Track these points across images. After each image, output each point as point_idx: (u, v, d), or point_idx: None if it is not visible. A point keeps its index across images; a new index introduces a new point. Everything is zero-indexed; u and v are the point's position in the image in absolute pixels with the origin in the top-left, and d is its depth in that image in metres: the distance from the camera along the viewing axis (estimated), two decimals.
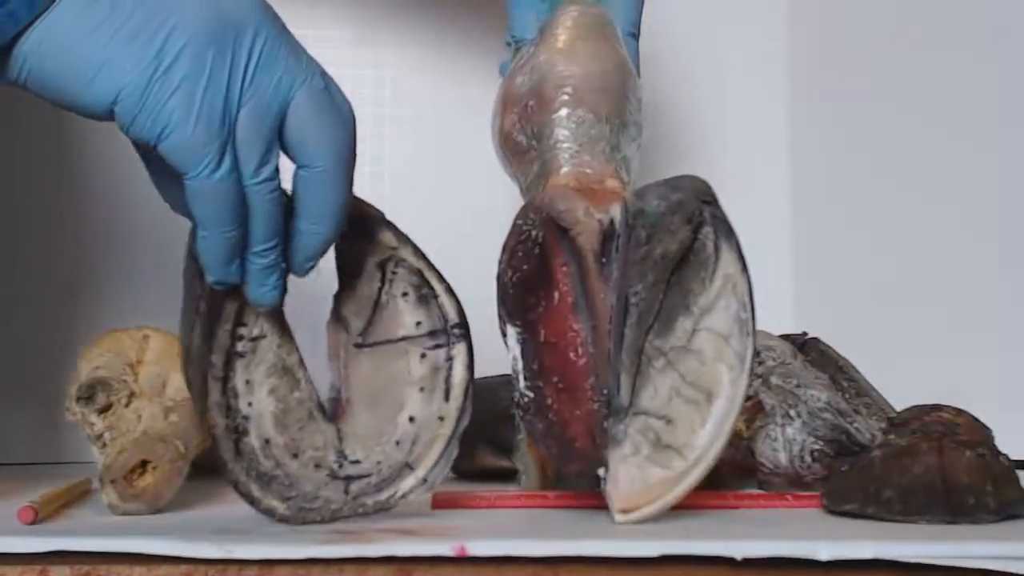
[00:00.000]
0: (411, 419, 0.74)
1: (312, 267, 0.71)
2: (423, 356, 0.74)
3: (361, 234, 0.74)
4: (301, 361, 0.73)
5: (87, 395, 0.77)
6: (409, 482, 0.73)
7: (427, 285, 0.75)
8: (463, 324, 0.75)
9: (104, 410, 0.77)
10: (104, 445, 0.76)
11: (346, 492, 0.72)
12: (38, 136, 1.13)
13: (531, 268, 0.72)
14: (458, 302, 0.75)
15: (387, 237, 0.74)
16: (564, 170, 0.76)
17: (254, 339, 0.72)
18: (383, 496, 0.73)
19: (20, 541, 0.62)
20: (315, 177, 0.69)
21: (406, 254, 0.74)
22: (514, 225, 0.73)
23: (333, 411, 0.74)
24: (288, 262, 0.71)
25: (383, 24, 1.17)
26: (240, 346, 0.71)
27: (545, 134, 0.77)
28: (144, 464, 0.75)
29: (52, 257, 1.13)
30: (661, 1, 1.13)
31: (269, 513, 0.70)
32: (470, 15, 1.16)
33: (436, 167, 1.17)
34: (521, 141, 0.78)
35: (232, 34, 0.67)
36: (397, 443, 0.74)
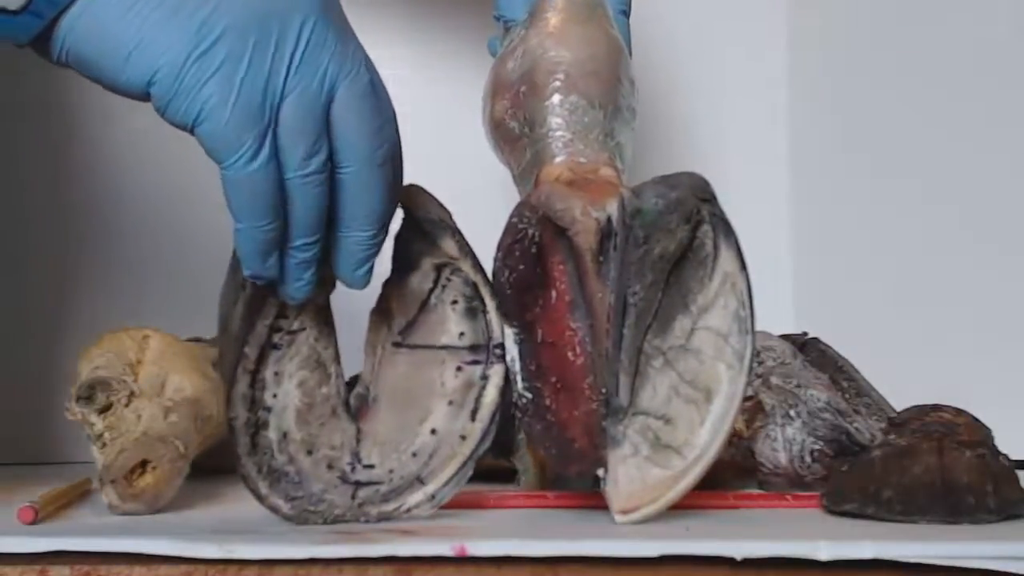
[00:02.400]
0: (433, 431, 0.73)
1: (365, 277, 0.69)
2: (459, 369, 0.73)
3: (423, 234, 0.73)
4: (336, 356, 0.73)
5: (87, 395, 0.77)
6: (417, 497, 0.73)
7: (479, 299, 0.73)
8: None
9: (104, 410, 0.77)
10: (104, 445, 0.76)
11: (353, 498, 0.72)
12: (38, 131, 1.13)
13: (528, 267, 0.72)
14: None
15: (448, 245, 0.73)
16: (558, 159, 0.75)
17: (292, 332, 0.71)
18: (389, 507, 0.72)
19: (20, 541, 0.62)
20: (346, 179, 0.67)
21: (464, 266, 0.73)
22: (509, 223, 0.72)
23: (358, 408, 0.73)
24: (337, 273, 0.69)
25: (384, 25, 1.16)
26: (277, 338, 0.71)
27: (538, 121, 0.77)
28: (144, 464, 0.75)
29: (52, 256, 1.13)
30: None
31: (273, 510, 0.70)
32: (465, 10, 1.15)
33: (435, 167, 1.17)
34: (513, 128, 0.78)
35: (278, 18, 0.65)
36: (414, 454, 0.73)
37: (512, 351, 0.72)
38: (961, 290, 1.05)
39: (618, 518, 0.69)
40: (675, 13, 1.18)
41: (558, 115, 0.76)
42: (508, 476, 0.86)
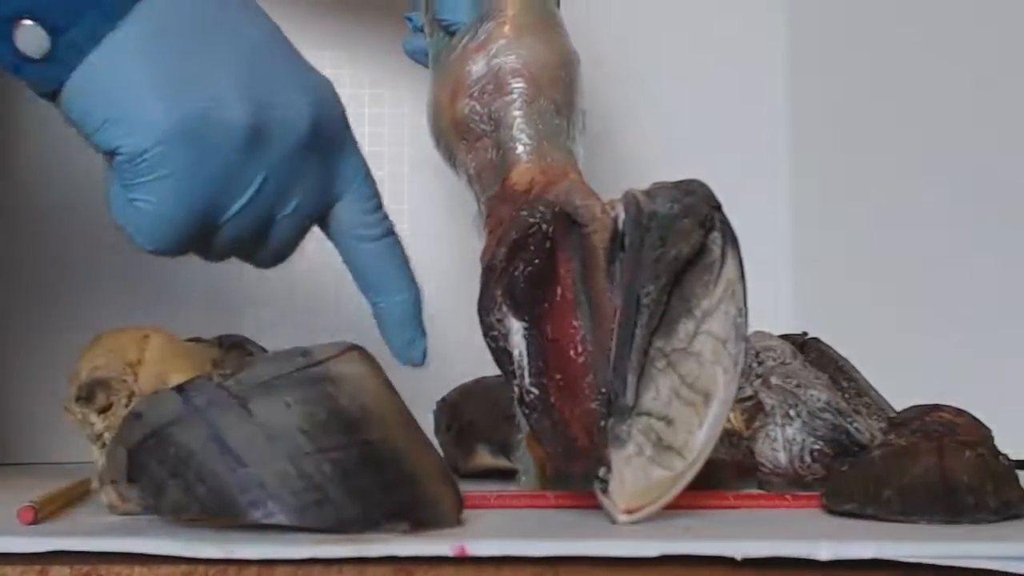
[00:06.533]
0: None
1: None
2: None
3: None
4: None
5: (87, 395, 0.77)
6: None
7: None
8: None
9: (104, 410, 0.77)
10: (104, 445, 0.76)
11: None
12: (32, 132, 1.13)
13: (543, 262, 0.72)
14: None
15: None
16: (526, 161, 0.76)
17: None
18: None
19: (20, 541, 0.62)
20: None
21: None
22: (519, 217, 0.72)
23: None
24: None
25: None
26: None
27: (505, 122, 0.77)
28: None
29: (51, 256, 1.13)
30: None
31: None
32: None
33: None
34: (476, 127, 0.78)
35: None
36: None
37: (520, 346, 0.72)
38: (961, 290, 1.06)
39: (622, 518, 0.69)
40: (676, 13, 1.18)
41: (525, 117, 0.77)
42: (507, 476, 0.86)
